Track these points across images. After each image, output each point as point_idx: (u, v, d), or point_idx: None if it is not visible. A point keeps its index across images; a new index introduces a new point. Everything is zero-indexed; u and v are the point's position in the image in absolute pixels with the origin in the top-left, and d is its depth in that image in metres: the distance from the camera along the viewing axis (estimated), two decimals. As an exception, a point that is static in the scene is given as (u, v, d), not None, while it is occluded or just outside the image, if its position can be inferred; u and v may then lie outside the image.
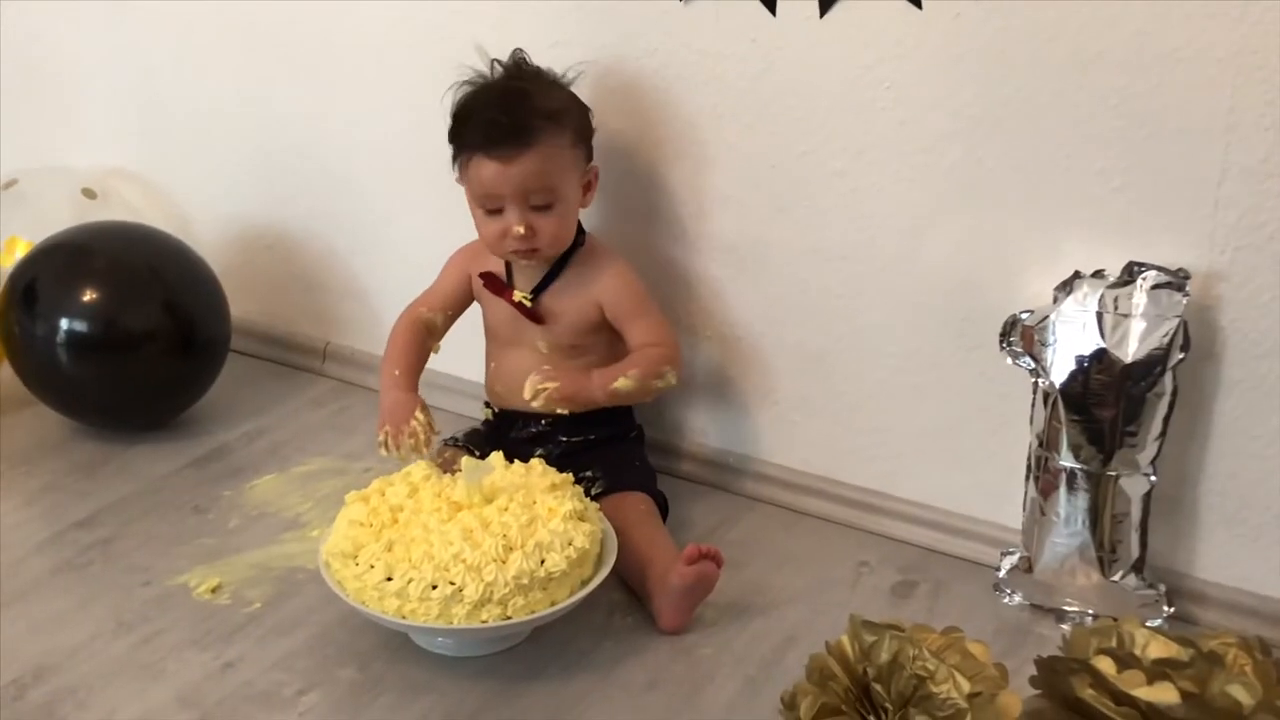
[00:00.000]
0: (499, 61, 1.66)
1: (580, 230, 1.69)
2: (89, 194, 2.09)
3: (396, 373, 1.66)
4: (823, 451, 1.76)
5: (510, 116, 1.58)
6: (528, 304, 1.67)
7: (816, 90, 1.60)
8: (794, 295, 1.71)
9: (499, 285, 1.69)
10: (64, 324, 1.83)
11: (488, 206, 1.61)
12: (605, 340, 1.70)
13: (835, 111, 1.60)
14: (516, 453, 1.63)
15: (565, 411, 1.61)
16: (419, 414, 1.60)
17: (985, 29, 1.48)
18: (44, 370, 1.88)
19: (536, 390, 1.58)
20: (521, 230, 1.59)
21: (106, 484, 1.82)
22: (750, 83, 1.64)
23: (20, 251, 2.01)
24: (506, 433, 1.73)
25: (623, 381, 1.61)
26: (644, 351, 1.66)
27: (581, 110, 1.65)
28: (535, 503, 1.49)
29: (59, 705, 1.42)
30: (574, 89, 1.67)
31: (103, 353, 1.85)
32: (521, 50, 1.66)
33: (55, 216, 1.99)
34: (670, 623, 1.53)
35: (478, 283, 1.71)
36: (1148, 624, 1.33)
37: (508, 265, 1.69)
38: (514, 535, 1.43)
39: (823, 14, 1.56)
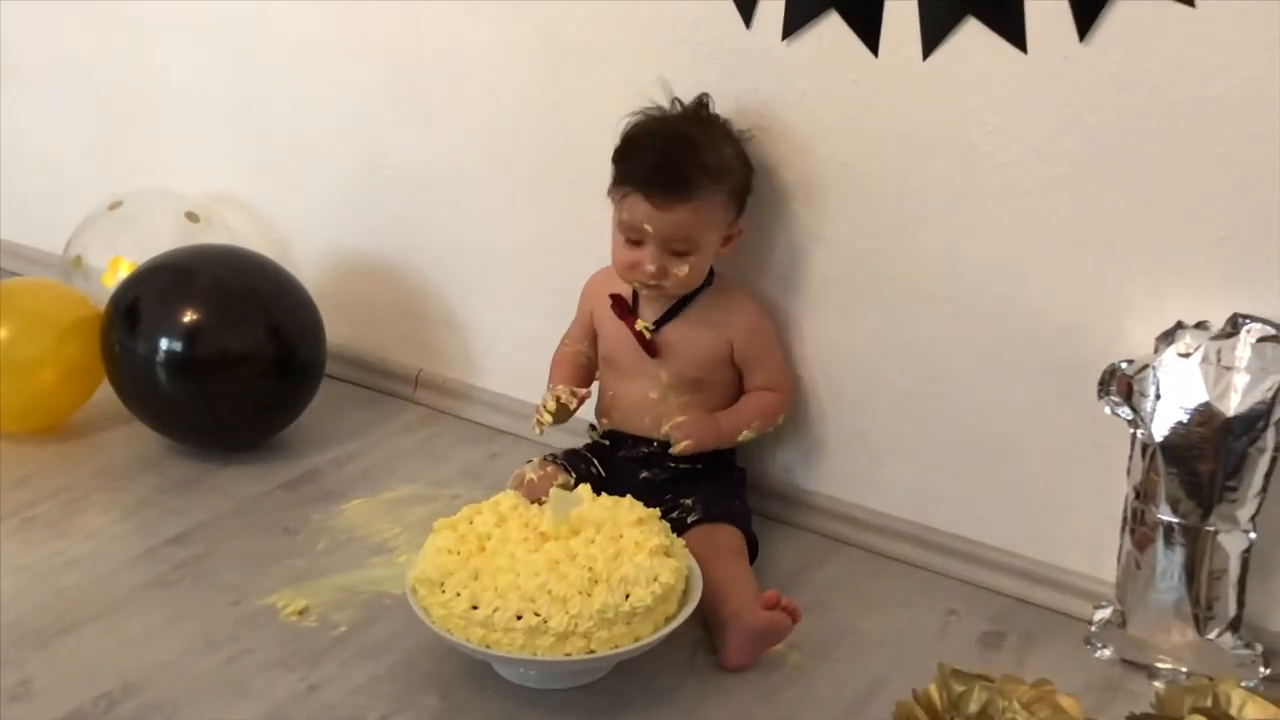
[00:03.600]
0: (680, 101, 1.68)
1: (710, 271, 1.71)
2: (192, 217, 2.13)
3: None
4: (914, 496, 1.74)
5: (675, 166, 1.61)
6: (647, 335, 1.70)
7: (917, 131, 1.59)
8: (889, 336, 1.69)
9: (624, 309, 1.71)
10: (163, 344, 1.85)
11: (630, 237, 1.65)
12: (728, 377, 1.73)
13: (936, 153, 1.59)
14: (624, 471, 1.70)
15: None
16: (559, 387, 1.69)
17: (1093, 73, 1.47)
18: (142, 388, 1.90)
19: (673, 439, 1.65)
20: (653, 269, 1.63)
21: (199, 502, 1.84)
22: (850, 123, 1.63)
23: (123, 271, 2.04)
24: (615, 452, 1.75)
25: (746, 434, 1.70)
26: (761, 398, 1.72)
27: (745, 170, 1.67)
28: (622, 536, 1.48)
29: (145, 720, 1.44)
30: (747, 146, 1.68)
31: (200, 373, 1.88)
32: (708, 95, 1.68)
33: (159, 238, 2.03)
34: (733, 661, 1.52)
35: (599, 307, 1.74)
36: (1243, 684, 1.29)
37: (634, 292, 1.72)
38: (599, 568, 1.43)
39: (926, 56, 1.55)
